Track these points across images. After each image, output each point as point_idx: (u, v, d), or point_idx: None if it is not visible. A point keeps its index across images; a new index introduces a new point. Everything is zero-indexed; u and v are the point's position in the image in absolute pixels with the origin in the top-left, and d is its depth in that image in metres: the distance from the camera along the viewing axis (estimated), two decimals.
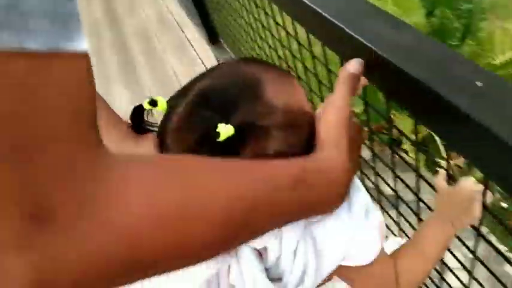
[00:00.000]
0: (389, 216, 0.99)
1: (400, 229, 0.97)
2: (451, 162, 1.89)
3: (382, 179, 0.88)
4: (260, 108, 0.45)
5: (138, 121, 0.51)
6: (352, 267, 0.52)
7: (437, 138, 1.84)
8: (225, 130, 0.42)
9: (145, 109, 0.50)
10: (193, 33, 3.28)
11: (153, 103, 0.50)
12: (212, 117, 0.44)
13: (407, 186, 0.76)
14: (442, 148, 1.93)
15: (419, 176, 0.67)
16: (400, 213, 0.91)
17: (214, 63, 2.80)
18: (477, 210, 0.58)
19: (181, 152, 0.46)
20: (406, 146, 1.89)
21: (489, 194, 0.59)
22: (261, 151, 0.45)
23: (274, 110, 0.45)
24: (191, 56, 3.08)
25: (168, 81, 2.89)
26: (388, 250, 0.58)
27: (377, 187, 0.92)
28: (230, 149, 0.43)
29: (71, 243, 0.24)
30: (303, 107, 0.48)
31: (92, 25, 4.02)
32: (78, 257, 0.25)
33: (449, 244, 0.63)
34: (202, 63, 2.96)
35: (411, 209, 0.81)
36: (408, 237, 0.93)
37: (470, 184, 0.59)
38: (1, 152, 0.22)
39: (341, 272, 0.53)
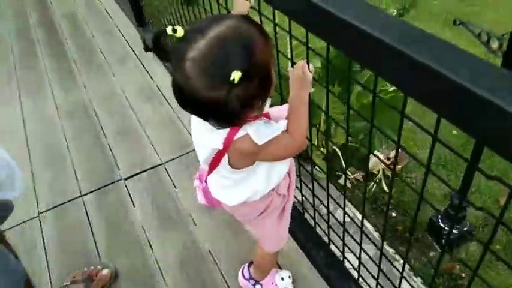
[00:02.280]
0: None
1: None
2: (351, 175, 2.42)
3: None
4: (254, 61, 0.77)
5: (158, 45, 0.77)
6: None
7: (339, 154, 2.30)
8: (237, 76, 0.73)
9: (166, 35, 0.75)
10: (120, 18, 3.59)
11: (175, 30, 0.75)
12: (228, 63, 0.73)
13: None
14: (343, 163, 2.45)
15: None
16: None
17: (140, 43, 3.14)
18: (309, 74, 0.99)
19: (184, 71, 0.75)
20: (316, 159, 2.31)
21: (311, 66, 0.98)
22: (246, 92, 0.76)
23: (260, 65, 0.79)
24: (118, 37, 3.38)
25: (96, 59, 3.16)
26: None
27: None
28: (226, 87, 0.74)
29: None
30: (271, 64, 0.86)
31: (19, 6, 4.13)
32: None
33: (305, 105, 1.02)
34: (128, 43, 3.27)
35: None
36: None
37: (298, 64, 1.01)
38: None
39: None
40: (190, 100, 0.80)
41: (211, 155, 0.98)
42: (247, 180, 1.06)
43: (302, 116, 1.00)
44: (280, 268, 1.66)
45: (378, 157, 1.08)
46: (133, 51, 3.16)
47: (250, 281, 1.58)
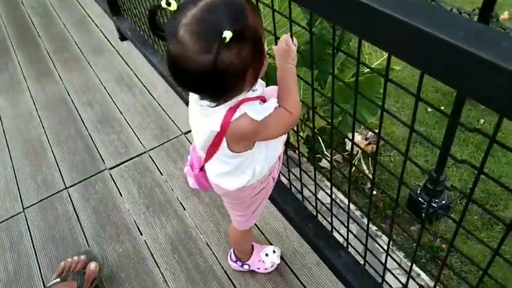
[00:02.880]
0: None
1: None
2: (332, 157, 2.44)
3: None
4: (244, 24, 0.78)
5: (153, 21, 0.80)
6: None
7: (319, 138, 2.32)
8: (228, 35, 0.72)
9: (161, 8, 0.77)
10: (92, 8, 3.52)
11: (168, 4, 0.77)
12: (219, 23, 0.74)
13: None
14: (323, 146, 2.48)
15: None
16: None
17: (114, 32, 3.10)
18: (293, 46, 0.99)
19: (184, 41, 0.76)
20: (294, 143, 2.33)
21: (295, 40, 0.99)
22: (238, 57, 0.77)
23: (250, 28, 0.80)
24: (92, 28, 3.32)
25: (71, 51, 3.10)
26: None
27: None
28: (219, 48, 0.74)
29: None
30: (261, 32, 0.86)
31: None
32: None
33: (294, 76, 1.01)
34: (102, 33, 3.22)
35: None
36: None
37: (282, 37, 1.01)
38: None
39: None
40: (185, 71, 0.81)
41: (209, 140, 0.98)
42: (247, 163, 1.06)
43: (292, 87, 1.01)
44: (271, 244, 1.69)
45: (351, 140, 1.11)
46: (109, 41, 3.11)
47: (238, 262, 1.61)
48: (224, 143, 0.97)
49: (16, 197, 2.08)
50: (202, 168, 1.16)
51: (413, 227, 2.32)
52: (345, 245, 1.43)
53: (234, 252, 1.61)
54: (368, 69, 2.07)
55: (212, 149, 1.00)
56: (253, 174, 1.09)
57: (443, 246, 2.19)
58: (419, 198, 2.23)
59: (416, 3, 0.64)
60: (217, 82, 0.81)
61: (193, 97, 1.01)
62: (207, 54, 0.76)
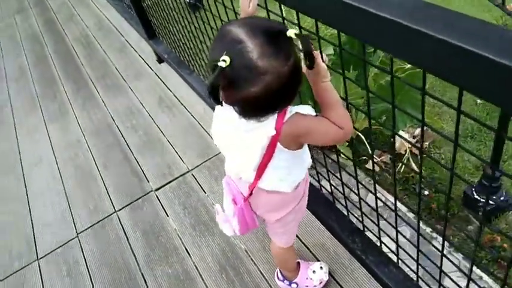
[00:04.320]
0: None
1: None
2: (378, 159, 2.40)
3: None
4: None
5: (216, 93, 0.80)
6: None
7: (363, 138, 2.29)
8: (293, 34, 0.81)
9: (219, 68, 0.79)
10: (130, 34, 3.65)
11: (224, 61, 0.80)
12: (278, 30, 0.83)
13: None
14: (368, 147, 2.43)
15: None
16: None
17: (152, 56, 3.19)
18: (322, 64, 0.95)
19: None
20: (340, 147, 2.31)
21: (324, 56, 0.99)
22: (296, 65, 0.86)
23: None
24: (131, 52, 3.44)
25: (113, 76, 3.23)
26: None
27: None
28: None
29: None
30: None
31: (34, 36, 4.26)
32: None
33: (332, 92, 1.00)
34: (141, 57, 3.32)
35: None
36: None
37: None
38: None
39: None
40: (275, 92, 0.85)
41: (263, 150, 0.99)
42: (299, 160, 1.11)
43: (331, 104, 1.00)
44: (318, 260, 1.66)
45: (402, 137, 1.06)
46: (148, 64, 3.21)
47: (285, 281, 1.59)
48: (279, 146, 0.99)
49: (70, 223, 2.18)
50: (251, 193, 1.15)
51: (471, 226, 2.20)
52: (396, 260, 1.37)
53: (280, 271, 1.60)
54: (410, 65, 2.01)
55: (267, 157, 1.01)
56: (304, 167, 1.15)
57: (505, 245, 2.06)
58: (475, 196, 2.11)
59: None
60: (292, 86, 0.87)
61: (229, 130, 1.03)
62: (288, 60, 0.83)
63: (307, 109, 0.98)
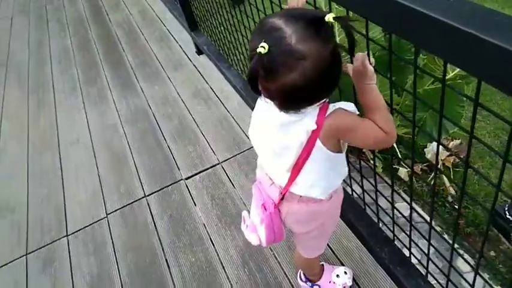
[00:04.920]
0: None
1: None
2: (408, 168, 2.34)
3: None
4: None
5: (255, 82, 0.83)
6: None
7: (395, 146, 2.25)
8: (331, 18, 0.78)
9: (259, 54, 0.78)
10: (172, 24, 3.70)
11: (263, 48, 0.79)
12: (317, 15, 0.81)
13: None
14: (400, 155, 2.38)
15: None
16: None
17: (192, 47, 3.23)
18: (369, 67, 0.92)
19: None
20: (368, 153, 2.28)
21: (371, 58, 0.96)
22: (337, 51, 0.84)
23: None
24: (171, 42, 3.49)
25: (152, 65, 3.29)
26: None
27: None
28: None
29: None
30: None
31: (79, 20, 4.40)
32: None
33: (377, 95, 0.97)
34: (181, 48, 3.37)
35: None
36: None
37: (357, 56, 0.96)
38: None
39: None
40: (317, 77, 0.82)
41: (301, 147, 0.97)
42: (336, 164, 1.07)
43: (376, 108, 0.97)
44: (343, 265, 1.64)
45: (444, 145, 1.03)
46: (187, 55, 3.25)
47: (308, 283, 1.58)
48: (318, 143, 0.95)
49: (101, 203, 2.24)
50: (282, 198, 1.12)
51: (501, 246, 2.12)
52: (425, 274, 1.34)
53: (303, 272, 1.58)
54: (451, 75, 1.94)
55: (304, 156, 0.98)
56: (340, 176, 1.11)
57: None
58: (508, 215, 2.03)
59: None
60: (332, 75, 0.85)
61: (267, 129, 1.02)
62: (327, 46, 0.80)
63: (351, 106, 0.96)
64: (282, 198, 1.12)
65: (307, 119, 0.92)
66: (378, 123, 0.94)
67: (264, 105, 0.96)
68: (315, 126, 0.92)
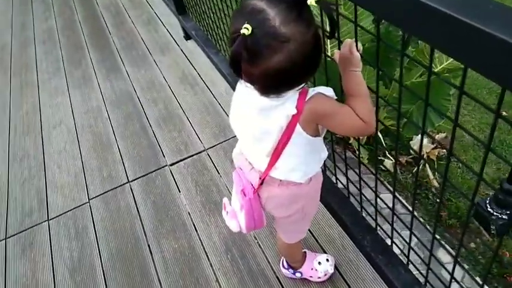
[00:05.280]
0: None
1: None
2: (393, 160, 2.34)
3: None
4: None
5: (237, 64, 0.79)
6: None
7: (381, 138, 2.25)
8: (313, 4, 0.78)
9: (242, 35, 0.76)
10: (159, 7, 3.63)
11: (247, 29, 0.77)
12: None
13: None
14: (385, 146, 2.38)
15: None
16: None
17: (180, 31, 3.18)
18: (356, 53, 0.94)
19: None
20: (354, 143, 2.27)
21: (359, 45, 0.94)
22: (318, 34, 0.83)
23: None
24: (158, 26, 3.43)
25: (139, 48, 3.23)
26: None
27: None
28: None
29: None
30: None
31: (64, 1, 4.29)
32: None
33: (361, 83, 0.96)
34: (168, 32, 3.31)
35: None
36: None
37: (345, 43, 0.96)
38: None
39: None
40: (301, 58, 0.81)
41: (281, 131, 0.96)
42: (316, 148, 1.07)
43: (358, 95, 0.96)
44: (325, 252, 1.64)
45: (432, 137, 1.02)
46: (175, 40, 3.20)
47: (290, 270, 1.58)
48: (298, 128, 0.95)
49: (83, 188, 2.21)
50: (261, 183, 1.12)
51: (479, 239, 2.16)
52: (406, 262, 1.34)
53: (285, 259, 1.59)
54: (439, 68, 1.94)
55: (284, 141, 0.98)
56: (319, 160, 1.11)
57: None
58: (488, 209, 2.07)
59: None
60: (313, 58, 0.85)
61: (247, 112, 1.01)
62: (310, 28, 0.80)
63: (329, 91, 0.96)
64: (262, 183, 1.11)
65: (287, 104, 0.92)
66: (357, 112, 0.94)
67: (244, 90, 0.95)
68: (295, 111, 0.91)
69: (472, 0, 0.63)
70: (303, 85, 0.92)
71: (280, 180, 1.10)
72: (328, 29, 0.84)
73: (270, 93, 0.89)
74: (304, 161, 1.07)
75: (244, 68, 0.83)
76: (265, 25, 0.77)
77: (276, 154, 1.02)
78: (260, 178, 1.10)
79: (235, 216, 1.19)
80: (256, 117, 0.98)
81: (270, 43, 0.78)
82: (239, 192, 1.16)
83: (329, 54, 1.26)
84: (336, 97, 0.96)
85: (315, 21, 0.82)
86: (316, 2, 0.78)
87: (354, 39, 0.98)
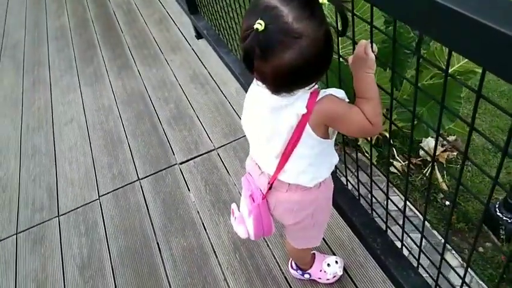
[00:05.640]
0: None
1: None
2: (403, 163, 2.33)
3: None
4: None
5: (250, 59, 0.81)
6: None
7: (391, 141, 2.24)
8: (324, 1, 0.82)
9: (255, 30, 0.77)
10: (172, 7, 3.65)
11: (258, 25, 0.78)
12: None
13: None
14: (395, 149, 2.37)
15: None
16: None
17: (191, 31, 3.19)
18: (371, 54, 0.94)
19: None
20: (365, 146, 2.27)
21: (374, 46, 0.93)
22: (329, 32, 0.83)
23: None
24: (170, 25, 3.45)
25: (151, 47, 3.24)
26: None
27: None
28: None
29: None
30: None
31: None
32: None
33: (373, 85, 0.96)
34: (180, 31, 3.32)
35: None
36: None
37: (360, 43, 0.96)
38: None
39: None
40: (313, 56, 0.81)
41: (291, 131, 0.96)
42: (326, 152, 1.07)
43: (370, 97, 0.95)
44: (335, 254, 1.63)
45: (446, 139, 1.01)
46: (186, 39, 3.21)
47: (298, 271, 1.57)
48: (308, 128, 0.95)
49: (94, 185, 2.22)
50: (270, 188, 1.11)
51: (489, 243, 2.13)
52: (416, 265, 1.33)
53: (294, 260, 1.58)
54: (450, 70, 1.93)
55: (294, 141, 0.98)
56: (330, 166, 1.10)
57: None
58: (498, 213, 2.04)
59: None
60: (325, 56, 0.84)
61: (258, 112, 1.01)
62: (322, 26, 0.80)
63: (341, 93, 0.96)
64: (270, 188, 1.11)
65: (298, 103, 0.92)
66: (366, 113, 0.94)
67: (256, 89, 0.95)
68: (305, 110, 0.91)
69: (491, 1, 0.62)
70: (314, 84, 0.92)
71: (289, 185, 1.09)
72: (340, 27, 0.84)
73: (282, 92, 0.89)
74: (313, 163, 1.06)
75: (257, 64, 0.83)
76: (278, 21, 0.77)
77: (285, 156, 1.02)
78: (269, 183, 1.10)
79: (243, 222, 1.19)
80: (267, 116, 0.98)
81: (283, 39, 0.78)
82: (247, 198, 1.16)
83: (341, 54, 1.25)
84: (347, 99, 0.96)
85: (326, 19, 0.82)
86: (328, 0, 0.80)
87: (369, 40, 0.98)
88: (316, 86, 0.94)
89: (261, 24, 0.76)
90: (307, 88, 0.91)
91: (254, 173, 1.16)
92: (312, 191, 1.11)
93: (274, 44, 0.78)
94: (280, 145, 1.00)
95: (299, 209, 1.16)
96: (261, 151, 1.11)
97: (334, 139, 1.05)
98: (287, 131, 0.96)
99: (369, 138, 1.42)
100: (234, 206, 1.23)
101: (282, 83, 0.87)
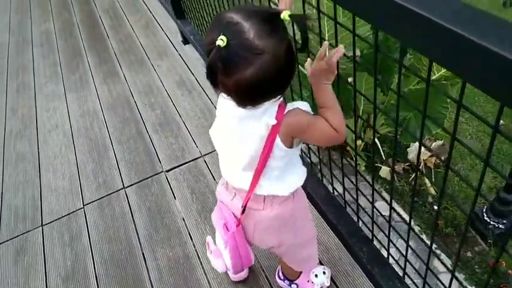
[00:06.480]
0: None
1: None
2: (389, 168, 2.33)
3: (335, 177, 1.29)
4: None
5: (214, 75, 0.82)
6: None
7: (379, 145, 2.24)
8: (287, 17, 0.81)
9: (217, 47, 0.78)
10: (158, 12, 3.62)
11: (222, 41, 0.79)
12: (273, 12, 0.83)
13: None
14: (382, 154, 2.37)
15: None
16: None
17: (178, 36, 3.16)
18: (333, 68, 0.93)
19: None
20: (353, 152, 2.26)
21: (341, 49, 0.91)
22: (291, 46, 0.85)
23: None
24: (157, 30, 3.42)
25: (137, 52, 3.21)
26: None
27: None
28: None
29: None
30: None
31: (63, 2, 4.28)
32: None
33: (333, 94, 0.98)
34: (167, 36, 3.30)
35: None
36: None
37: (319, 57, 0.92)
38: None
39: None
40: (275, 72, 0.82)
41: (262, 142, 0.96)
42: (295, 162, 1.08)
43: (330, 106, 0.97)
44: (322, 264, 1.62)
45: (425, 146, 1.01)
46: (173, 44, 3.18)
47: (285, 281, 1.56)
48: (278, 140, 0.96)
49: (78, 193, 2.18)
50: (244, 209, 1.09)
51: (477, 247, 2.14)
52: (402, 275, 1.33)
53: (282, 270, 1.56)
54: (437, 75, 1.94)
55: (265, 154, 0.97)
56: (300, 172, 1.11)
57: (510, 272, 2.00)
58: (485, 217, 2.06)
59: None
60: (287, 71, 0.86)
61: (227, 125, 1.01)
62: (283, 42, 0.81)
63: (306, 106, 0.98)
64: (244, 211, 1.10)
65: (266, 114, 0.93)
66: (330, 122, 0.96)
67: (224, 101, 0.96)
68: (275, 121, 0.92)
69: (471, 14, 0.62)
70: (279, 97, 0.93)
71: (264, 200, 1.09)
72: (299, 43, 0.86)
73: (247, 104, 0.90)
74: (286, 171, 1.07)
75: (220, 79, 0.83)
76: (240, 37, 0.78)
77: (258, 172, 1.02)
78: (242, 206, 1.09)
79: (220, 255, 1.18)
80: (235, 126, 0.99)
81: (245, 55, 0.79)
82: (222, 228, 1.14)
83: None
84: (312, 112, 0.98)
85: (288, 35, 0.84)
86: (289, 16, 0.81)
87: (326, 48, 0.95)
88: (282, 99, 0.96)
89: (223, 40, 0.77)
90: (273, 100, 0.92)
91: (226, 200, 1.16)
92: (288, 202, 1.12)
93: (236, 60, 0.79)
94: (247, 156, 1.00)
95: (281, 224, 1.15)
96: (229, 164, 1.11)
97: (299, 148, 1.07)
98: (256, 141, 0.97)
99: (355, 145, 1.42)
100: (209, 239, 1.22)
101: (246, 96, 0.88)
